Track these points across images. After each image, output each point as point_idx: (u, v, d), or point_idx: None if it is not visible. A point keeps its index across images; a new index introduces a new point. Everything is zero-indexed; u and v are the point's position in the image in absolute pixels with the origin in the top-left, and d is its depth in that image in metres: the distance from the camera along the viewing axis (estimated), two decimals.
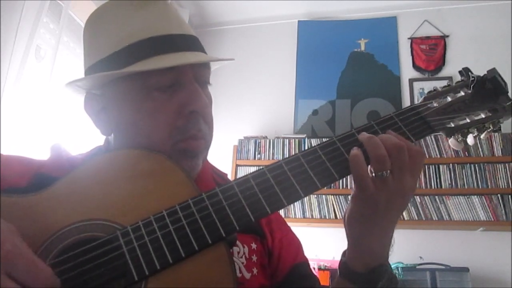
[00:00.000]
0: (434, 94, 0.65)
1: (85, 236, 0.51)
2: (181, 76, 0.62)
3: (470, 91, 0.64)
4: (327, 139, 0.60)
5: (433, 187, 2.59)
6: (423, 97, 0.66)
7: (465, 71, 0.66)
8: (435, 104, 0.63)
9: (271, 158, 2.86)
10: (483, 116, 0.63)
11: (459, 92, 0.65)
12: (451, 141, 0.64)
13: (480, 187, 2.53)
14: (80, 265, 0.49)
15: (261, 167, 0.57)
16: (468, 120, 0.63)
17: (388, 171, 0.54)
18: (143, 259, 0.49)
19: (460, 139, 0.64)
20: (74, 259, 0.49)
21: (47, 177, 0.61)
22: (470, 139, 0.64)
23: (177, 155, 0.61)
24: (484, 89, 0.63)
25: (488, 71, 0.64)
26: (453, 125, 0.63)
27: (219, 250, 0.51)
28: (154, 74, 0.60)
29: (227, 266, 0.50)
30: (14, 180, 0.61)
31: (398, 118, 0.61)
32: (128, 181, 0.56)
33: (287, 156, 2.88)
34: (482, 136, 0.64)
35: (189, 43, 0.64)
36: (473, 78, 0.64)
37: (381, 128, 0.60)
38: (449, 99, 0.64)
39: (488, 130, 0.63)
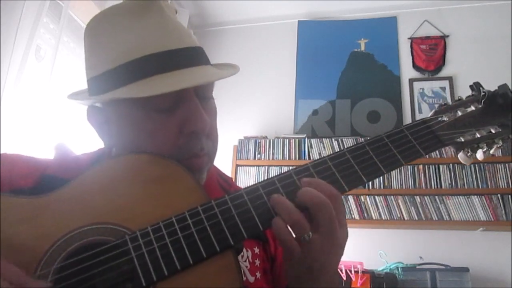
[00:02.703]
0: (444, 108, 0.65)
1: (93, 239, 0.51)
2: (182, 94, 0.61)
3: (480, 106, 0.64)
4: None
5: (433, 187, 2.59)
6: (433, 110, 0.66)
7: (476, 86, 0.66)
8: (445, 118, 0.64)
9: (271, 158, 2.86)
10: (493, 131, 0.63)
11: (470, 106, 0.65)
12: (461, 155, 0.64)
13: (480, 187, 2.53)
14: (88, 269, 0.49)
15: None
16: (478, 135, 0.63)
17: (310, 234, 0.51)
18: (152, 265, 0.49)
19: (469, 154, 0.63)
20: (82, 262, 0.49)
21: (53, 178, 0.61)
22: (479, 154, 0.63)
23: None
24: (495, 104, 0.63)
25: (499, 87, 0.64)
26: (463, 140, 0.62)
27: (227, 258, 0.51)
28: (153, 96, 0.58)
29: (234, 274, 0.50)
30: (20, 181, 0.61)
31: (409, 131, 0.61)
32: (137, 186, 0.55)
33: (287, 156, 2.88)
34: (491, 152, 0.63)
35: (190, 57, 0.62)
36: (483, 93, 0.64)
37: (391, 141, 0.60)
38: (459, 113, 0.64)
39: (498, 146, 0.63)
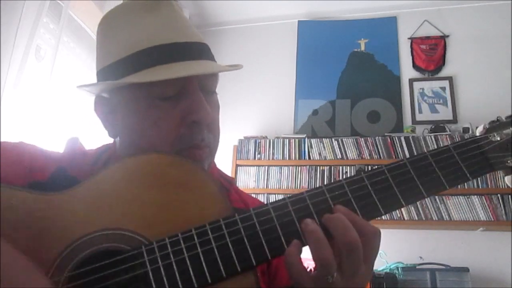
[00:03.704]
0: (497, 125, 0.57)
1: (108, 246, 0.49)
2: (186, 86, 0.62)
3: None
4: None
5: None
6: (482, 127, 0.58)
7: None
8: (497, 138, 0.55)
9: (271, 158, 2.86)
10: None
11: None
12: (508, 179, 0.56)
13: (480, 187, 2.53)
14: (101, 280, 0.48)
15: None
16: None
17: (335, 274, 0.46)
18: (168, 282, 0.47)
19: None
20: (95, 273, 0.48)
21: (64, 173, 0.62)
22: None
23: None
24: None
25: None
26: None
27: (248, 279, 0.48)
28: (158, 84, 0.59)
29: None
30: (39, 174, 0.62)
31: (456, 151, 0.54)
32: (157, 190, 0.53)
33: (287, 156, 2.88)
34: None
35: (195, 51, 0.64)
36: None
37: (436, 161, 0.53)
38: None
39: None
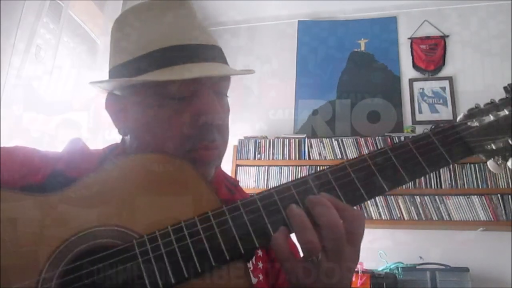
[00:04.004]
0: (475, 112, 0.60)
1: (101, 242, 0.50)
2: (197, 87, 0.62)
3: None
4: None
5: (433, 187, 2.59)
6: (462, 114, 0.61)
7: (511, 88, 0.61)
8: (476, 124, 0.58)
9: (271, 158, 2.86)
10: None
11: (503, 110, 0.59)
12: (490, 163, 0.59)
13: (480, 187, 2.53)
14: (93, 274, 0.49)
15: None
16: (511, 143, 0.57)
17: (320, 255, 0.48)
18: (159, 272, 0.48)
19: (500, 162, 0.58)
20: (88, 266, 0.49)
21: (61, 175, 0.62)
22: (511, 163, 0.58)
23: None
24: None
25: None
26: (494, 148, 0.57)
27: (237, 267, 0.50)
28: (170, 84, 0.60)
29: (244, 283, 0.49)
30: (33, 177, 0.62)
31: (436, 137, 0.57)
32: (148, 188, 0.55)
33: (287, 156, 2.88)
34: None
35: (209, 53, 0.65)
36: None
37: (416, 147, 0.56)
38: (491, 117, 0.58)
39: None
